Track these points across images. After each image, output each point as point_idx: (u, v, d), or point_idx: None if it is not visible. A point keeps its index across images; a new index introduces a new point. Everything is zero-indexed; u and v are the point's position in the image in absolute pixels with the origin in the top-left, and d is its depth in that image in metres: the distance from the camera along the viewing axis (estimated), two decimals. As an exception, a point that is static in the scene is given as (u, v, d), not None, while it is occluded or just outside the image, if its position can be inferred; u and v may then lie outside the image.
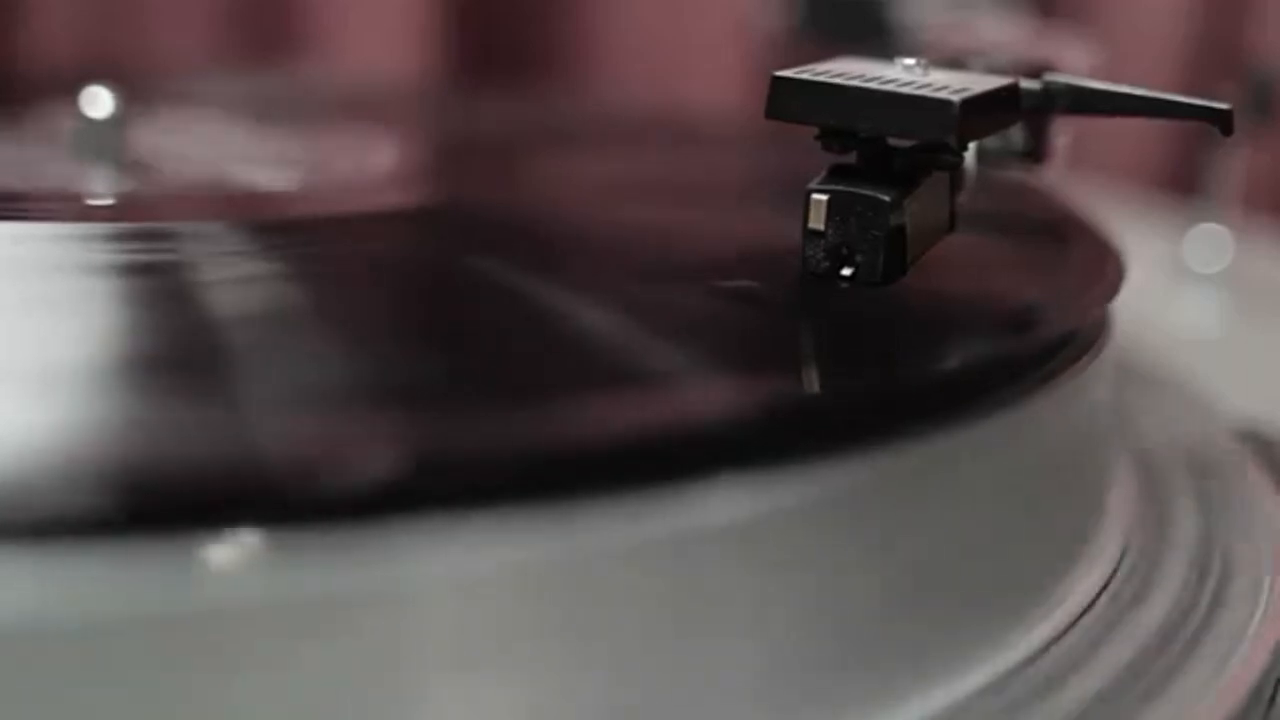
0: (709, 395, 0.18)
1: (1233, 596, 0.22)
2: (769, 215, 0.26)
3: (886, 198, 0.21)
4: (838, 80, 0.21)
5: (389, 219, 0.28)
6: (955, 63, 0.25)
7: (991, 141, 0.27)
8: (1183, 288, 0.43)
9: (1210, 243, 0.44)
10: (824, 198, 0.22)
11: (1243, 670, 0.20)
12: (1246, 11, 0.64)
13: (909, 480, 0.18)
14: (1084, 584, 0.21)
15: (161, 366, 0.19)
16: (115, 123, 0.32)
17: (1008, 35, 0.35)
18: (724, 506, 0.16)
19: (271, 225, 0.27)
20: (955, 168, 0.23)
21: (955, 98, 0.21)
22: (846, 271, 0.22)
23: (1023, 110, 0.23)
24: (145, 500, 0.14)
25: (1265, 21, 0.63)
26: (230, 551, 0.14)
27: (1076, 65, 0.30)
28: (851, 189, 0.22)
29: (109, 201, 0.31)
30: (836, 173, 0.22)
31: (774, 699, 0.17)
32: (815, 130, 0.22)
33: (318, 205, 0.30)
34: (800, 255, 0.22)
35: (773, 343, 0.21)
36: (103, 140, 0.32)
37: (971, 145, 0.24)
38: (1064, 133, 0.29)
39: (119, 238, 0.25)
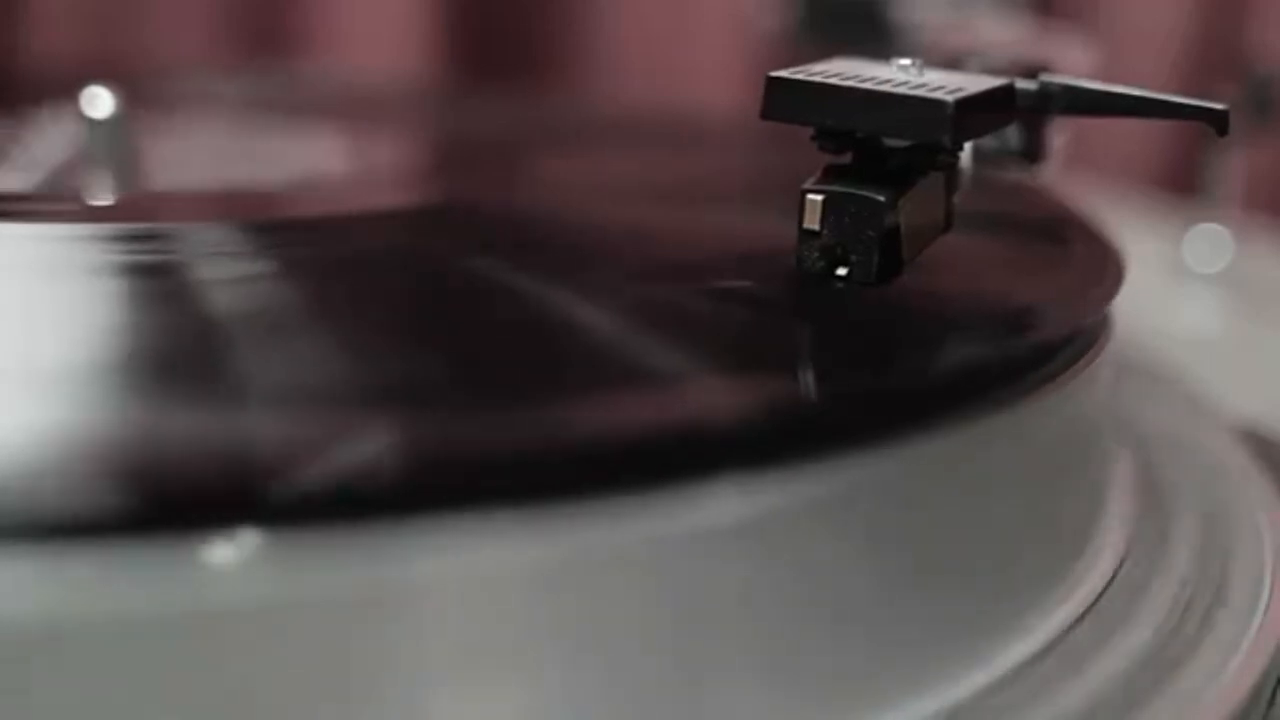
0: (707, 396, 0.18)
1: (1233, 597, 0.22)
2: (767, 215, 0.26)
3: (881, 198, 0.21)
4: (833, 81, 0.21)
5: (388, 219, 0.28)
6: (952, 63, 0.25)
7: (988, 141, 0.27)
8: (1183, 288, 0.43)
9: (1210, 243, 0.44)
10: (819, 198, 0.22)
11: (1243, 670, 0.20)
12: (1246, 11, 0.64)
13: (907, 481, 0.18)
14: (1084, 584, 0.21)
15: (161, 366, 0.19)
16: (115, 123, 0.32)
17: (1007, 35, 0.35)
18: (723, 506, 0.16)
19: (271, 225, 0.27)
20: (951, 167, 0.23)
21: (950, 98, 0.21)
22: (841, 271, 0.22)
23: (1018, 110, 0.23)
24: (144, 500, 0.14)
25: (1265, 21, 0.63)
26: (229, 551, 0.14)
27: (1075, 65, 0.30)
28: (846, 189, 0.22)
29: (109, 202, 0.31)
30: (832, 172, 0.22)
31: (775, 698, 0.17)
32: (812, 130, 0.22)
33: (317, 205, 0.30)
34: (795, 255, 0.22)
35: (770, 343, 0.21)
36: (103, 140, 0.32)
37: (967, 145, 0.24)
38: (1061, 132, 0.29)
39: (119, 238, 0.25)
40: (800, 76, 0.22)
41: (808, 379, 0.19)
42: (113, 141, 0.32)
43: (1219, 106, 0.22)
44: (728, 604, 0.17)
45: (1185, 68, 0.64)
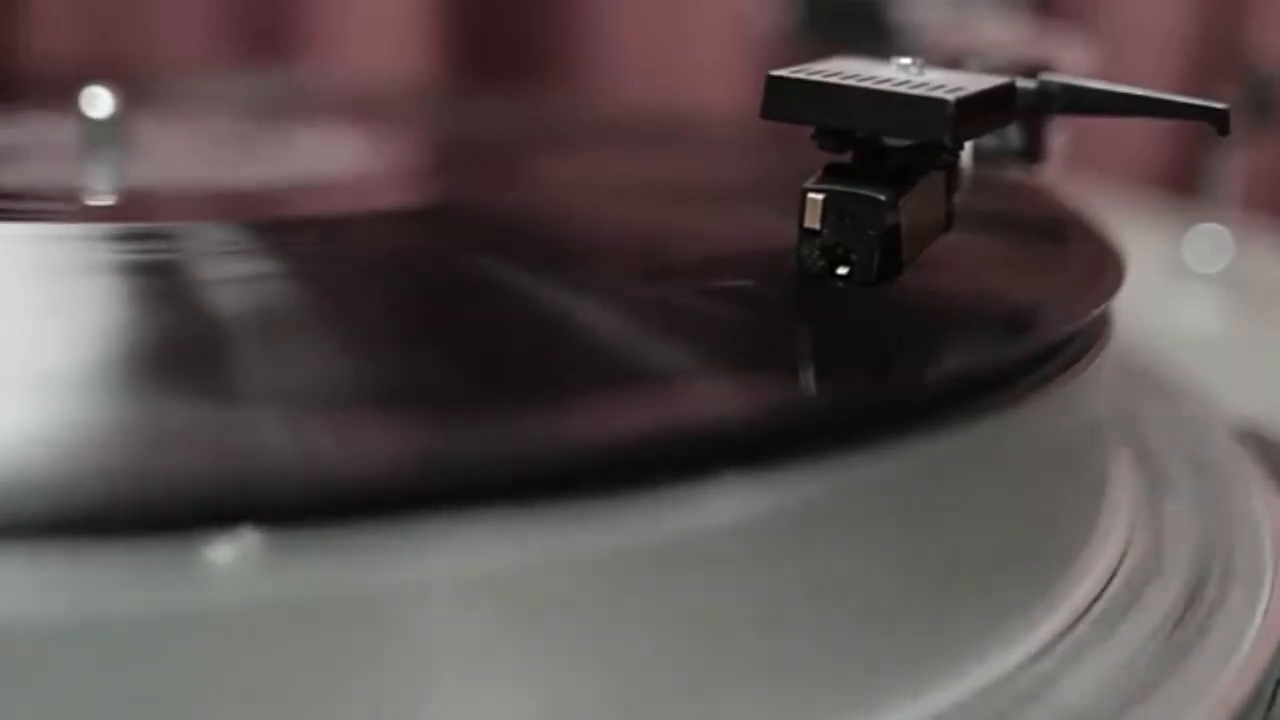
0: (707, 395, 0.18)
1: (1233, 597, 0.22)
2: (768, 215, 0.26)
3: (882, 197, 0.21)
4: (833, 80, 0.21)
5: (389, 219, 0.28)
6: (952, 62, 0.25)
7: (988, 141, 0.27)
8: (1183, 288, 0.43)
9: (1210, 243, 0.44)
10: (819, 197, 0.22)
11: (1242, 670, 0.20)
12: (1246, 11, 0.64)
13: (907, 481, 0.18)
14: (1084, 584, 0.21)
15: (162, 366, 0.19)
16: (115, 123, 0.32)
17: (1007, 35, 0.35)
18: (723, 506, 0.16)
19: (271, 225, 0.27)
20: (951, 167, 0.23)
21: (950, 97, 0.21)
22: (842, 271, 0.22)
23: (1018, 109, 0.23)
24: (145, 500, 0.14)
25: (1265, 21, 0.63)
26: (230, 551, 0.14)
27: (1075, 65, 0.30)
28: (847, 188, 0.22)
29: (109, 201, 0.31)
30: (832, 172, 0.22)
31: (775, 698, 0.17)
32: (812, 129, 0.22)
33: (317, 205, 0.30)
34: (796, 254, 0.22)
35: (771, 343, 0.21)
36: (103, 140, 0.32)
37: (967, 144, 0.24)
38: (1061, 132, 0.29)
39: (119, 238, 0.25)
40: (800, 75, 0.22)
41: (808, 379, 0.19)
42: (113, 141, 0.32)
43: (1219, 106, 0.22)
44: (727, 604, 0.17)
45: (1185, 68, 0.64)
